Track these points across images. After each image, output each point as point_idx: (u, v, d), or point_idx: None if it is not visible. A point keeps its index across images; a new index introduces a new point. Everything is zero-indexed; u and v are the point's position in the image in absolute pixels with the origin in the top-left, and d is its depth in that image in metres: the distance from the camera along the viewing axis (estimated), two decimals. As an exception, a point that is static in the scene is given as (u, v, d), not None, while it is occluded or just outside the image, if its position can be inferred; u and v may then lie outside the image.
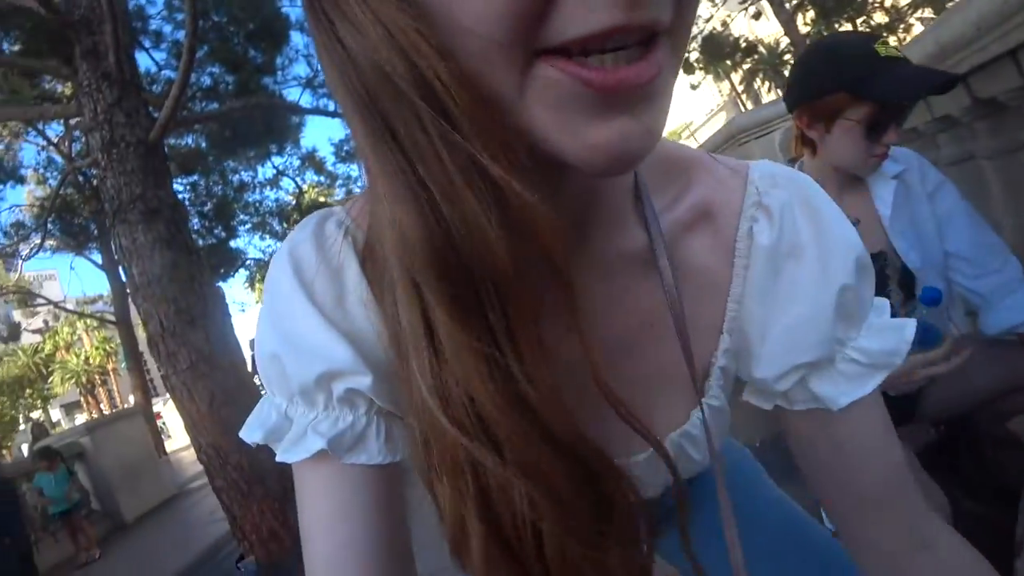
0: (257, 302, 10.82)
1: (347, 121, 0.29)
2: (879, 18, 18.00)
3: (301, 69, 6.88)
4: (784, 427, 0.48)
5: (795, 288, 0.41)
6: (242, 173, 9.26)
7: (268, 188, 9.79)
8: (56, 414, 29.33)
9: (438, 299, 0.27)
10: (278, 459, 0.41)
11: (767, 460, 0.76)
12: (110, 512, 7.13)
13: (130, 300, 4.04)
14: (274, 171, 9.37)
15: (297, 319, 0.38)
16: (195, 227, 8.55)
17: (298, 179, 9.68)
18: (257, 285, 11.38)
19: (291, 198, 9.97)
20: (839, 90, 1.05)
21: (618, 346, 0.41)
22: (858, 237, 0.43)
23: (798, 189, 0.43)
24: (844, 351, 0.42)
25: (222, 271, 9.42)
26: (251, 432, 0.42)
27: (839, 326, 0.41)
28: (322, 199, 10.43)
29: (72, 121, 7.24)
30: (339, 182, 10.33)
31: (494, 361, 0.28)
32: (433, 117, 0.25)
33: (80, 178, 8.37)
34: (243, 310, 16.00)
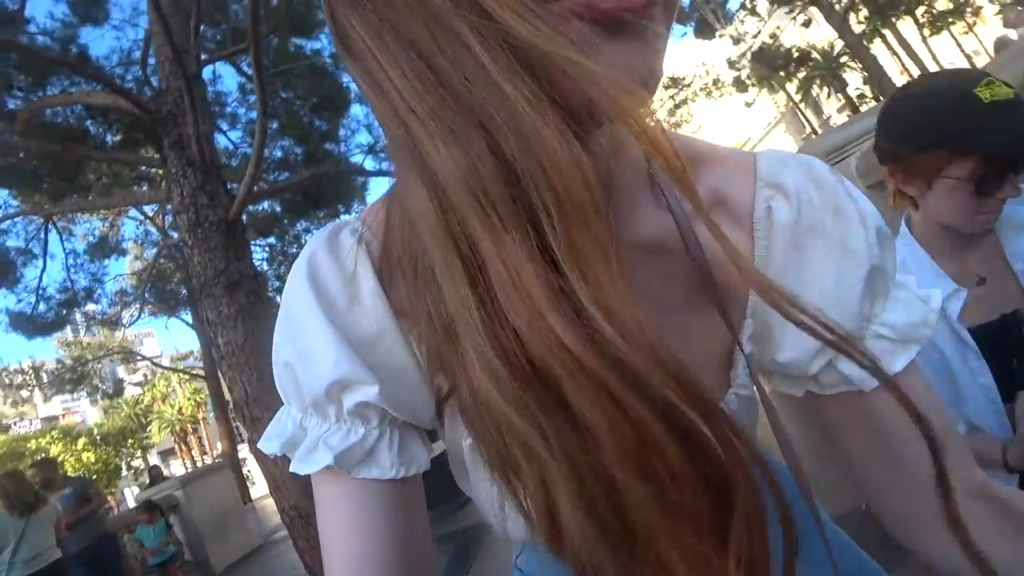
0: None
1: (383, 74, 0.28)
2: (942, 5, 17.02)
3: (363, 137, 7.37)
4: (822, 422, 0.46)
5: (818, 264, 0.40)
6: (313, 232, 9.82)
7: (337, 245, 10.29)
8: (153, 460, 31.49)
9: (485, 228, 0.25)
10: (291, 469, 0.41)
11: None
12: (201, 562, 7.46)
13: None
14: (342, 228, 9.87)
15: (309, 329, 0.38)
16: (274, 286, 9.12)
17: (364, 234, 10.12)
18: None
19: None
20: (936, 147, 0.91)
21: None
22: (876, 210, 0.42)
23: (809, 169, 0.43)
24: (871, 328, 0.41)
25: (298, 327, 9.91)
26: (269, 442, 0.42)
27: (865, 301, 0.40)
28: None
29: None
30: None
31: (557, 287, 0.24)
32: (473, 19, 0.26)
33: (172, 250, 9.18)
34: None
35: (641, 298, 0.36)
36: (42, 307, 8.33)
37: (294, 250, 9.57)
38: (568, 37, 0.26)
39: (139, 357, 16.10)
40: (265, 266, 9.21)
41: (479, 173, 0.25)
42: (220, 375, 4.02)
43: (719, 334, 0.41)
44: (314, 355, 0.38)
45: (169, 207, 8.46)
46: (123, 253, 10.56)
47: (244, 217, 4.73)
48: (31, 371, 12.61)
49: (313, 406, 0.39)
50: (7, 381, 11.91)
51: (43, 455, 23.15)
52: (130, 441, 26.13)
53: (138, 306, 10.45)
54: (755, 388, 0.46)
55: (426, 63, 0.26)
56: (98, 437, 25.17)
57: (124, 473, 27.47)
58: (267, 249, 9.38)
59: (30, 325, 8.25)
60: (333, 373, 0.37)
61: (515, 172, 0.25)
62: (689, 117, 20.45)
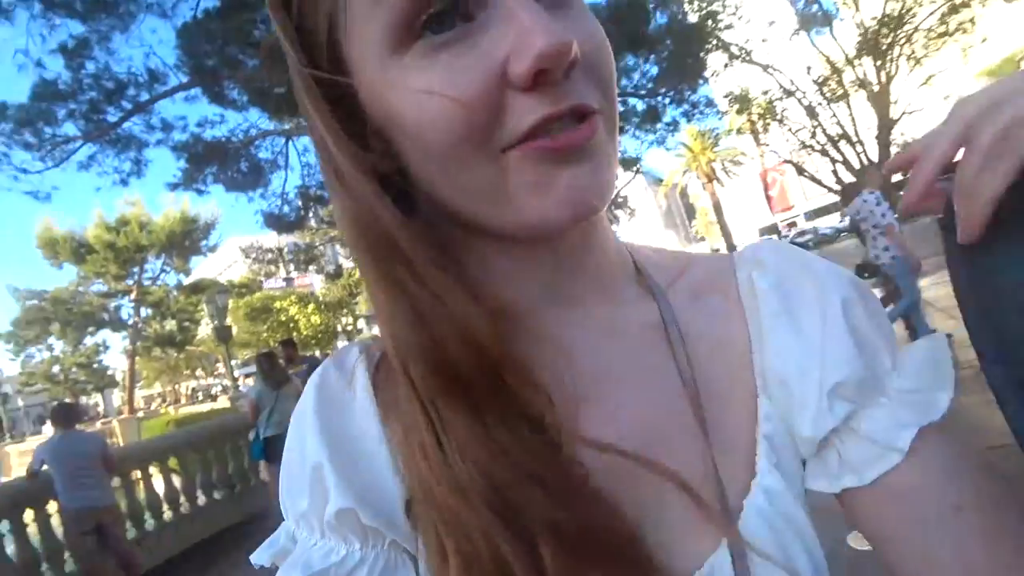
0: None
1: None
2: None
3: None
4: (871, 537, 0.38)
5: (806, 319, 0.40)
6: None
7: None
8: (360, 324, 37.97)
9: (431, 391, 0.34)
10: None
11: None
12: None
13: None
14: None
15: (304, 424, 0.40)
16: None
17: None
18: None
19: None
20: None
21: (644, 437, 0.38)
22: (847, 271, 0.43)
23: (776, 246, 0.45)
24: (892, 380, 0.38)
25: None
26: (260, 554, 0.42)
27: (866, 352, 0.38)
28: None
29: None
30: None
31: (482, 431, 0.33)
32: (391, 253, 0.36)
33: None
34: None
35: (644, 387, 0.40)
36: (286, 209, 10.05)
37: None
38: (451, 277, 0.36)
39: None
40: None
41: (407, 339, 0.35)
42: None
43: (732, 418, 0.40)
44: (301, 447, 0.39)
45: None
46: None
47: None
48: (277, 251, 15.60)
49: (302, 516, 0.39)
50: (261, 258, 15.04)
51: (284, 313, 29.18)
52: (344, 311, 31.66)
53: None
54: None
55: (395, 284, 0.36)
56: (323, 305, 30.88)
57: (339, 332, 33.56)
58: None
59: (279, 223, 10.06)
60: (312, 458, 0.38)
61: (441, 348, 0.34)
62: (970, 26, 14.86)
